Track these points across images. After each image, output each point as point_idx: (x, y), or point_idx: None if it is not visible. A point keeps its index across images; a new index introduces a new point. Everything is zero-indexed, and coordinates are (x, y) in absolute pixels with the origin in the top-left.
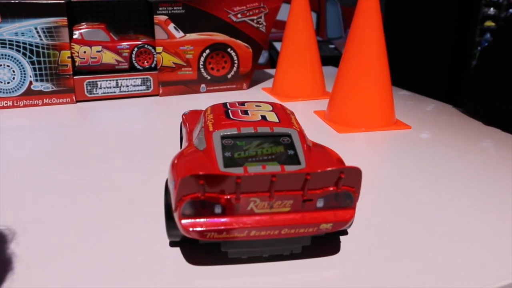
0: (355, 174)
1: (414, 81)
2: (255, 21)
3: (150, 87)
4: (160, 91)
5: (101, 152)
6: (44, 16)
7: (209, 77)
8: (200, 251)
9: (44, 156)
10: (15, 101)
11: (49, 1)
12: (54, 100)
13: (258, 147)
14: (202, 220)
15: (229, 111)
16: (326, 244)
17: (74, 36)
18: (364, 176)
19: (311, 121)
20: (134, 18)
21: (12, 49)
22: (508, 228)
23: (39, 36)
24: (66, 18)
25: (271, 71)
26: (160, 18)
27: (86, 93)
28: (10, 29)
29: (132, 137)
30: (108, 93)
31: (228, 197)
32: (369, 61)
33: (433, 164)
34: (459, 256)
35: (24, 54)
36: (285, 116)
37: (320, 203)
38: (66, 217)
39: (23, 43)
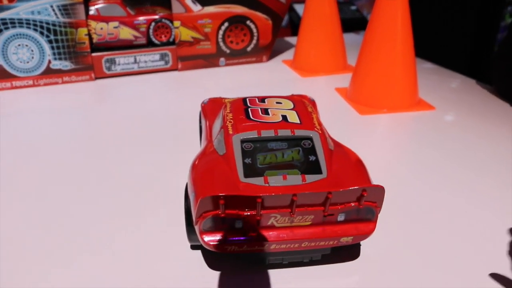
0: (378, 191)
1: (438, 53)
2: None
3: (169, 62)
4: (179, 66)
5: (120, 139)
6: None
7: (228, 51)
8: (220, 255)
9: (65, 140)
10: (35, 80)
11: None
12: (73, 78)
13: (279, 151)
14: (222, 235)
15: (249, 109)
16: (345, 249)
17: (90, 13)
18: (383, 169)
19: (333, 101)
20: None
21: (29, 28)
22: None
23: (55, 14)
24: None
25: (292, 40)
26: None
27: (104, 70)
28: (26, 8)
29: (152, 120)
30: (126, 69)
31: (249, 213)
32: (393, 34)
33: (457, 154)
34: (482, 258)
35: (42, 33)
36: (306, 115)
37: (341, 217)
38: (86, 219)
39: (40, 21)
